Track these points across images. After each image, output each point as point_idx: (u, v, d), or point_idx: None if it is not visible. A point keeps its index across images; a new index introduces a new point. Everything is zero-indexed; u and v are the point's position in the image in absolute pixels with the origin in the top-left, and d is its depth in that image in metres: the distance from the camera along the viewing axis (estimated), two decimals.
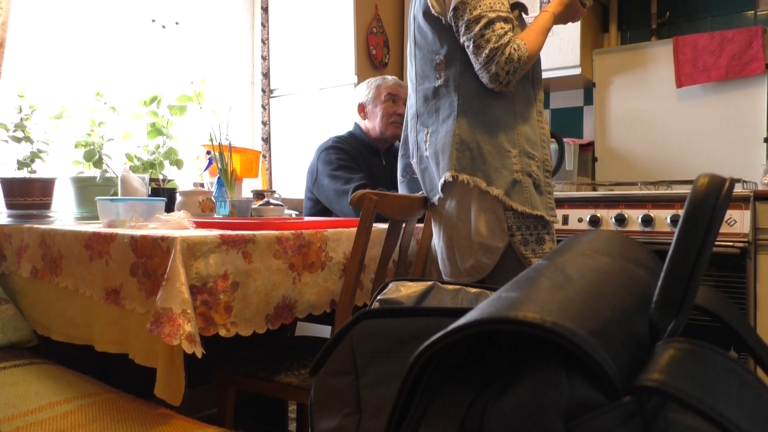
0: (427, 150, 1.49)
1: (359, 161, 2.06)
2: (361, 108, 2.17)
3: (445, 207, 1.47)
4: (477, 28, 1.34)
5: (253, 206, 1.68)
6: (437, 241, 1.54)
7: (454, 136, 1.41)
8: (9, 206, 1.62)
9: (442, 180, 1.43)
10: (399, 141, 2.20)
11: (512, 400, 0.35)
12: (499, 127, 1.41)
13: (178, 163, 1.87)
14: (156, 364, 1.10)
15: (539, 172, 1.44)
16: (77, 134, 1.76)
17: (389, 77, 2.18)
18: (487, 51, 1.34)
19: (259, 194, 1.89)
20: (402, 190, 1.71)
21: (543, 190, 1.45)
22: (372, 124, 2.14)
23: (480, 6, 1.35)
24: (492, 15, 1.34)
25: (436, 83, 1.47)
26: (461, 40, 1.39)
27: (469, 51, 1.37)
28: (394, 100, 2.12)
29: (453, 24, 1.39)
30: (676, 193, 1.95)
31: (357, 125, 2.19)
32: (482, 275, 1.45)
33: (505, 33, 1.34)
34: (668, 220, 1.90)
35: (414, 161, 1.57)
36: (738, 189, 1.85)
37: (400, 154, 1.70)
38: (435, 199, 1.49)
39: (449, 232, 1.47)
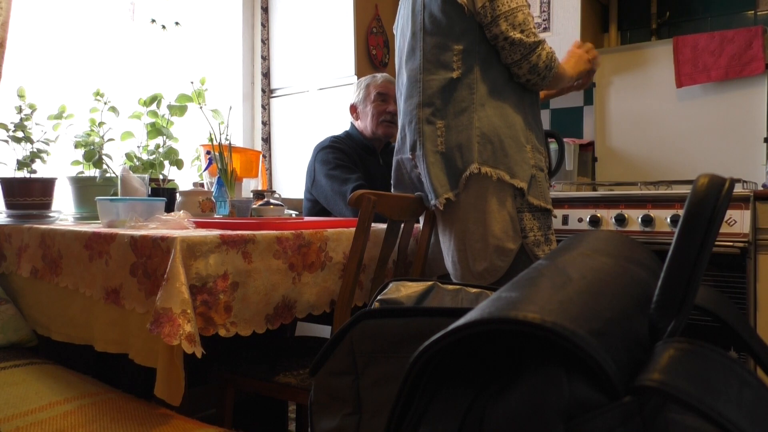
0: (441, 145, 1.42)
1: (356, 161, 2.05)
2: (353, 109, 2.16)
3: (456, 208, 1.43)
4: (517, 21, 1.36)
5: (253, 206, 1.67)
6: (446, 244, 1.49)
7: (475, 129, 1.39)
8: (9, 206, 1.62)
9: (467, 173, 1.39)
10: (393, 139, 2.18)
11: (512, 400, 0.35)
12: (515, 122, 1.41)
13: (178, 163, 1.87)
14: (156, 364, 1.09)
15: (545, 166, 1.46)
16: (77, 134, 1.76)
17: (379, 75, 2.16)
18: (530, 42, 1.37)
19: (259, 194, 1.89)
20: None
21: (547, 184, 1.47)
22: (364, 124, 2.12)
23: (515, 0, 1.38)
24: (526, 11, 1.39)
25: (453, 74, 1.42)
26: (493, 31, 1.38)
27: (505, 42, 1.37)
28: (384, 98, 2.09)
29: (485, 14, 1.37)
30: (676, 193, 1.95)
31: (353, 125, 2.19)
32: (495, 278, 1.41)
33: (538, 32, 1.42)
34: (668, 220, 1.90)
35: (418, 154, 1.47)
36: (738, 189, 1.85)
37: (395, 151, 1.61)
38: (449, 196, 1.42)
39: (461, 235, 1.43)
